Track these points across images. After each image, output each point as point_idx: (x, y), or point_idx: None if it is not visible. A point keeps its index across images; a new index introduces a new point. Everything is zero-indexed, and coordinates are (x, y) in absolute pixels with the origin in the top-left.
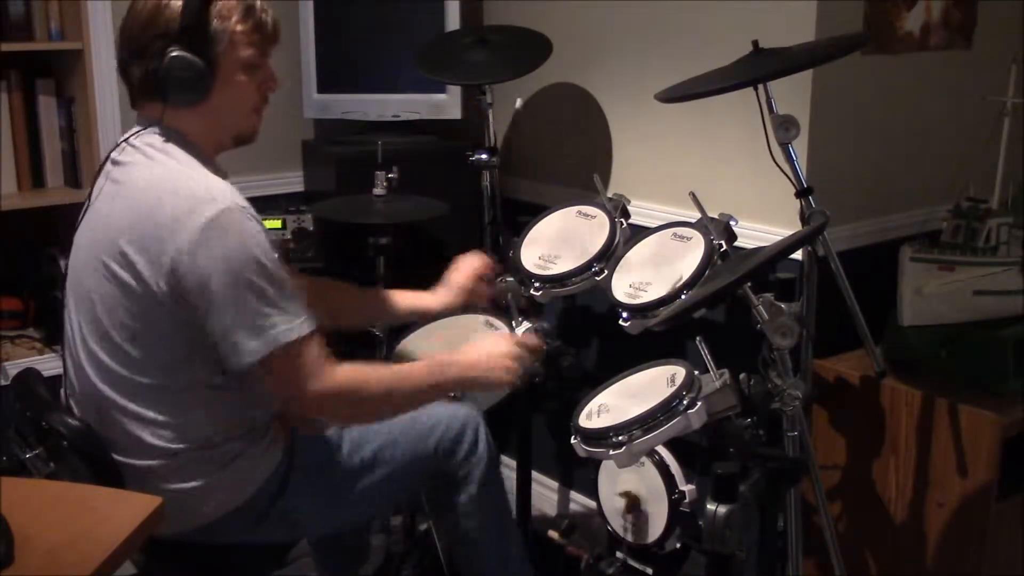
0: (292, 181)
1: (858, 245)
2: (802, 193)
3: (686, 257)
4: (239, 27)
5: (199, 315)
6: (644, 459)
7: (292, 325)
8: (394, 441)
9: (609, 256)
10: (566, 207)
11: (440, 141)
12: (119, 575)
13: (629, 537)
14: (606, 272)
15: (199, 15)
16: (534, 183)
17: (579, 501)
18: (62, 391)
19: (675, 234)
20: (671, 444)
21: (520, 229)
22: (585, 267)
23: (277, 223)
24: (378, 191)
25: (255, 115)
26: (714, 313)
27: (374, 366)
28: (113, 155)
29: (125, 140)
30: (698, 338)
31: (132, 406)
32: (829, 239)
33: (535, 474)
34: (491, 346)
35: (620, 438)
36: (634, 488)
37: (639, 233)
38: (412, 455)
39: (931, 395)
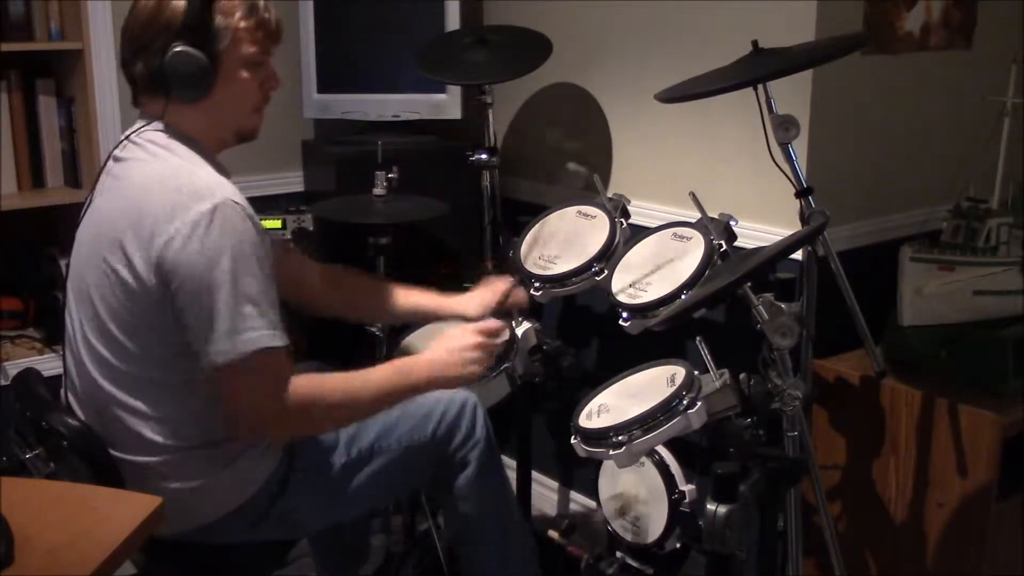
0: (292, 181)
1: (858, 245)
2: (802, 193)
3: (686, 257)
4: (242, 23)
5: (179, 307)
6: (644, 459)
7: (269, 333)
8: (391, 429)
9: (609, 256)
10: (566, 207)
11: (440, 141)
12: (119, 575)
13: (629, 537)
14: (606, 272)
15: (203, 11)
16: (534, 183)
17: (579, 501)
18: (62, 391)
19: (675, 234)
20: (671, 444)
21: (520, 229)
22: (585, 267)
23: (277, 223)
24: (378, 191)
25: (256, 114)
26: (714, 313)
27: (332, 376)
28: (115, 152)
29: (127, 137)
30: (698, 338)
31: (132, 401)
32: (829, 239)
33: (535, 474)
34: (451, 341)
35: (620, 438)
36: (634, 488)
37: (639, 233)
38: (410, 441)
39: (931, 395)
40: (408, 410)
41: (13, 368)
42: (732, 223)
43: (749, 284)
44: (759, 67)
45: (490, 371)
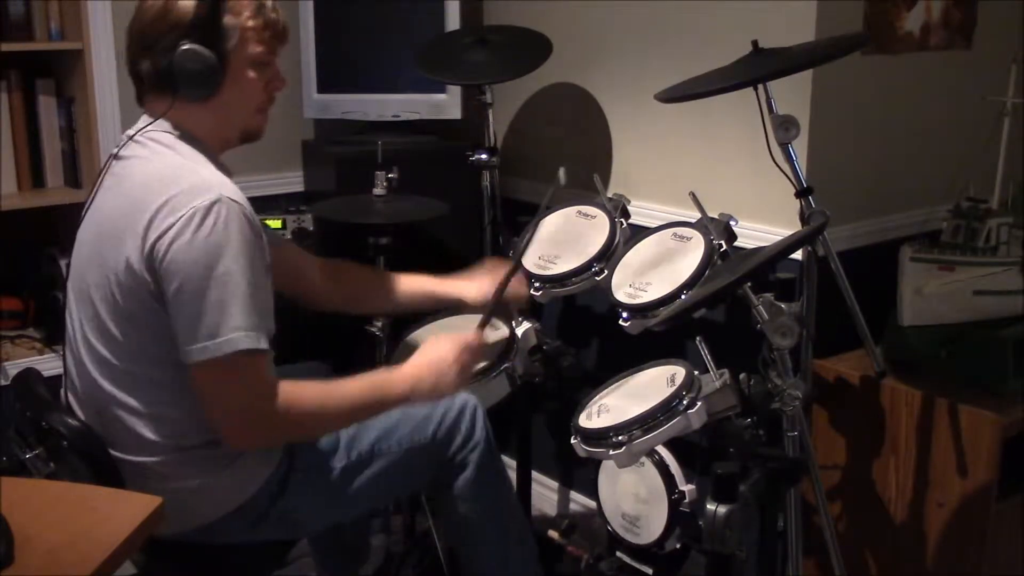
0: (292, 181)
1: (858, 245)
2: (802, 193)
3: (686, 257)
4: (250, 23)
5: (169, 303)
6: (644, 459)
7: (252, 335)
8: (391, 431)
9: (609, 256)
10: (566, 207)
11: (440, 141)
12: (119, 575)
13: (629, 537)
14: (606, 272)
15: (212, 9)
16: (534, 183)
17: (579, 501)
18: (62, 391)
19: (675, 234)
20: (671, 444)
21: (520, 229)
22: (585, 267)
23: (277, 223)
24: (378, 191)
25: (261, 114)
26: (714, 313)
27: (311, 385)
28: (115, 150)
29: (130, 137)
30: (698, 338)
31: (131, 400)
32: (829, 239)
33: (535, 474)
34: (434, 352)
35: (620, 438)
36: (634, 488)
37: (639, 233)
38: (410, 443)
39: (931, 395)
40: (408, 412)
41: (13, 368)
42: (732, 223)
43: (749, 284)
44: (759, 67)
45: (490, 371)
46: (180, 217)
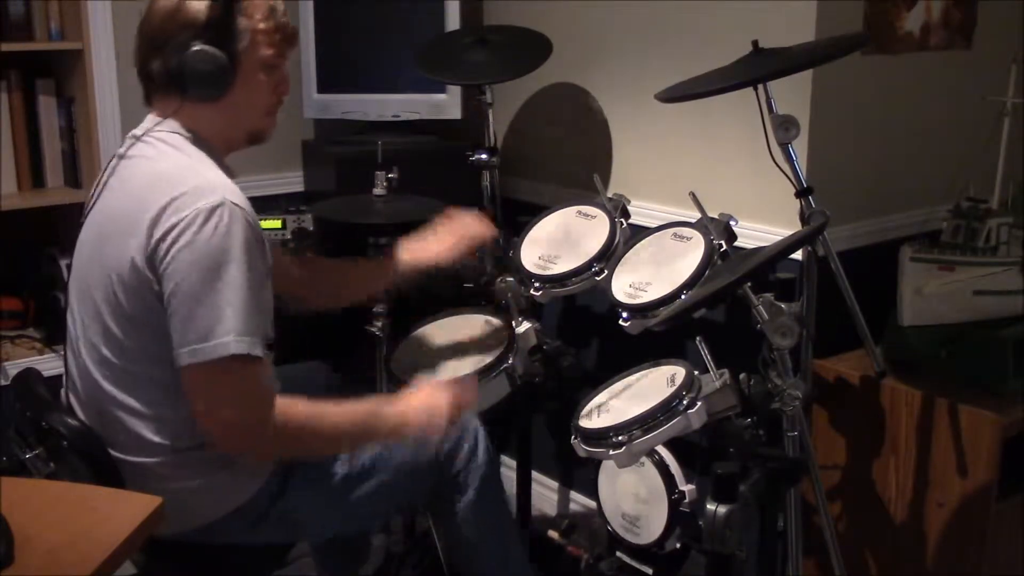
0: (292, 181)
1: (858, 245)
2: (802, 193)
3: (686, 257)
4: (262, 25)
5: (167, 302)
6: (644, 459)
7: (247, 340)
8: (394, 445)
9: (609, 256)
10: (566, 207)
11: (440, 141)
12: (119, 575)
13: (629, 537)
14: (606, 272)
15: (225, 11)
16: (534, 183)
17: (579, 501)
18: (63, 391)
19: (675, 234)
20: (671, 444)
21: (520, 229)
22: (585, 267)
23: (277, 223)
24: (378, 191)
25: (269, 117)
26: (714, 313)
27: (304, 402)
28: (120, 150)
29: (138, 137)
30: (698, 338)
31: (132, 401)
32: (829, 239)
33: (535, 474)
34: (429, 398)
35: (620, 438)
36: (634, 488)
37: (639, 233)
38: (412, 460)
39: (931, 395)
40: None
41: (13, 368)
42: (732, 223)
43: (749, 284)
44: (759, 67)
45: (490, 371)
46: (183, 217)
